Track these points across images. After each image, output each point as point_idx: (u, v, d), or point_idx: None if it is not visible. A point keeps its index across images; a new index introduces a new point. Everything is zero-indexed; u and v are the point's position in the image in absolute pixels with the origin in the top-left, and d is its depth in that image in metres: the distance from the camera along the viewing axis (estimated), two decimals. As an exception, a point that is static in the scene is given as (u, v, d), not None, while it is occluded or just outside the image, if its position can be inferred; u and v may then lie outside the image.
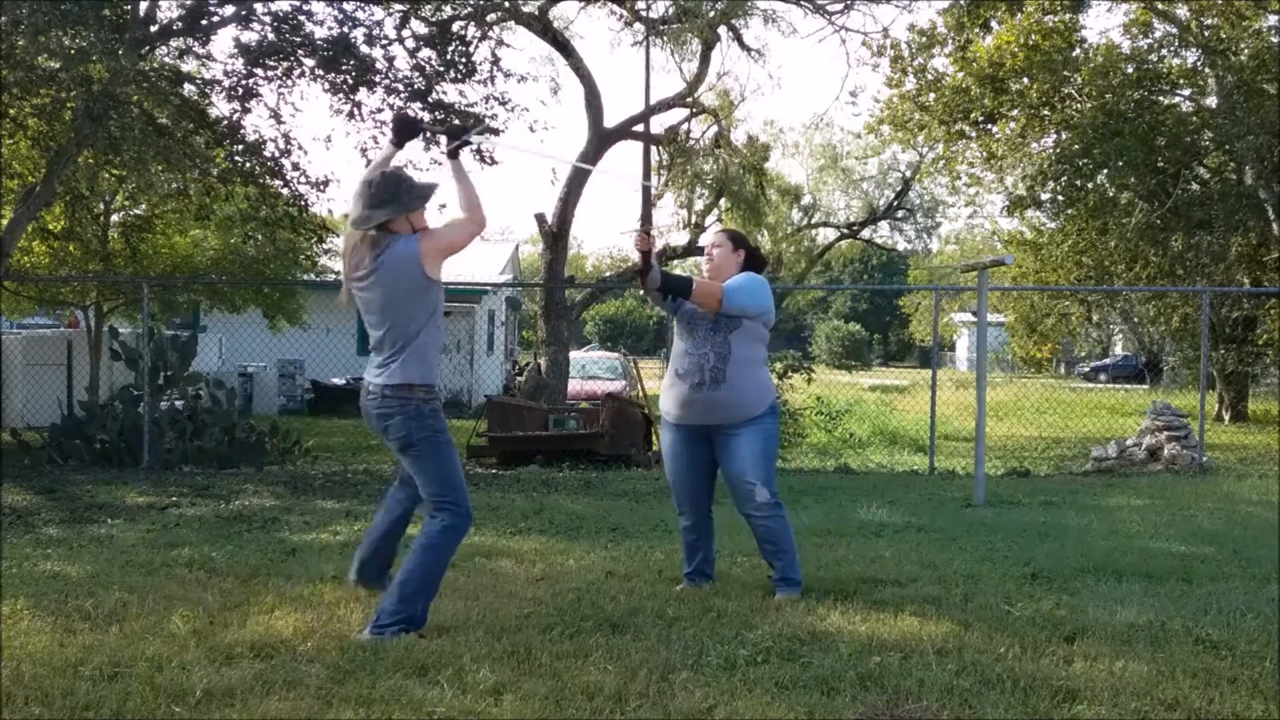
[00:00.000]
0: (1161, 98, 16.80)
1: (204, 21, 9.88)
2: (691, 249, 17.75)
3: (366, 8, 10.39)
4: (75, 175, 10.81)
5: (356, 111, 10.49)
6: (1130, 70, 16.25)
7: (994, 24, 16.27)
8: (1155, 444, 10.78)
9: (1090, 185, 16.68)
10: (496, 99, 11.16)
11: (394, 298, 3.99)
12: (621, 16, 14.09)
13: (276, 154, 10.44)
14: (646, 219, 4.82)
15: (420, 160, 35.90)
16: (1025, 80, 16.29)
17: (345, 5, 10.22)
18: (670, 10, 13.68)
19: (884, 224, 34.69)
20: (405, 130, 4.46)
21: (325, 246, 13.38)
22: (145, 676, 3.37)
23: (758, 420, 4.51)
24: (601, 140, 14.33)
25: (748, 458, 4.49)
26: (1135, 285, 17.26)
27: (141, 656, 3.57)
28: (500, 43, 12.24)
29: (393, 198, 3.96)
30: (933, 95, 17.02)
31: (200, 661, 3.55)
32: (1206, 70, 16.37)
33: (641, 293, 4.72)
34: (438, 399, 4.12)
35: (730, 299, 4.44)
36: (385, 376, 4.01)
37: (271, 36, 9.74)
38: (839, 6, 14.39)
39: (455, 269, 10.93)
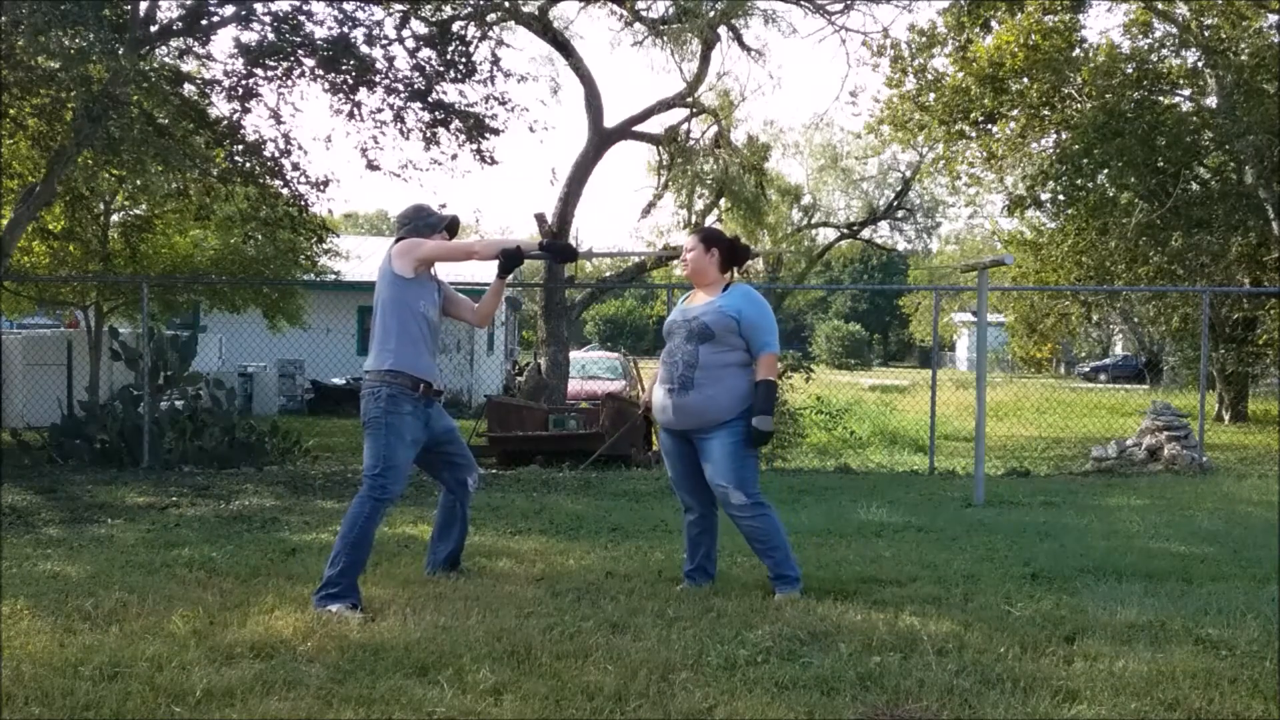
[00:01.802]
0: (1161, 98, 16.78)
1: (204, 21, 9.87)
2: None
3: (366, 8, 10.38)
4: (75, 175, 10.80)
5: (356, 111, 10.49)
6: (1130, 70, 16.24)
7: (994, 24, 16.27)
8: (1155, 444, 10.78)
9: (1090, 185, 16.66)
10: (496, 99, 11.18)
11: (376, 292, 4.65)
12: (621, 16, 14.09)
13: (276, 154, 10.44)
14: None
15: (420, 160, 35.95)
16: (1025, 80, 16.28)
17: (345, 5, 10.22)
18: (670, 10, 13.67)
19: (884, 224, 34.76)
20: (514, 261, 4.79)
21: (325, 246, 13.38)
22: (145, 676, 3.37)
23: (730, 424, 4.55)
24: (602, 140, 14.32)
25: (718, 461, 4.56)
26: (1135, 285, 17.24)
27: (141, 656, 3.57)
28: (500, 43, 12.23)
29: (409, 221, 4.77)
30: (933, 95, 17.00)
31: (200, 661, 3.55)
32: (1206, 70, 16.36)
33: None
34: (405, 385, 4.46)
35: (776, 353, 4.61)
36: (366, 363, 4.61)
37: (271, 36, 9.73)
38: (839, 6, 14.39)
39: (455, 269, 10.94)
